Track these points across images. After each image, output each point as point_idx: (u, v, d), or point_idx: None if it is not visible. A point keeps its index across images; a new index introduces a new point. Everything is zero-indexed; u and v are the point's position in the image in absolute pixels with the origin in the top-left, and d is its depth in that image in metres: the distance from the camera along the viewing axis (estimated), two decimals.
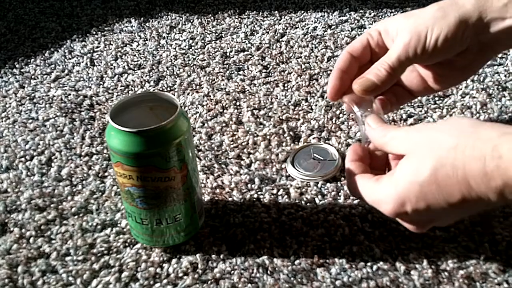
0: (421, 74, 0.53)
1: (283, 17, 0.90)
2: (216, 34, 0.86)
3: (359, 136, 0.62)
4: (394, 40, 0.50)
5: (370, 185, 0.44)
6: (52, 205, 0.54)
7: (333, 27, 0.86)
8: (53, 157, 0.61)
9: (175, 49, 0.82)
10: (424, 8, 0.50)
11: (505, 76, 0.71)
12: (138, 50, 0.82)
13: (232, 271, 0.47)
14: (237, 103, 0.69)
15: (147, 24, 0.90)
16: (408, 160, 0.42)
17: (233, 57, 0.79)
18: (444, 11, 0.48)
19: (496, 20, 0.48)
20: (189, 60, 0.79)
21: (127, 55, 0.81)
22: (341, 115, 0.66)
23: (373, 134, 0.46)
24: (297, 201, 0.54)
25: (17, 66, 0.79)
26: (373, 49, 0.52)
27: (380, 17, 0.89)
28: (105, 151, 0.62)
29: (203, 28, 0.88)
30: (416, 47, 0.48)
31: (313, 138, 0.62)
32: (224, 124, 0.65)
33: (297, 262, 0.47)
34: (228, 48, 0.82)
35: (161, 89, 0.73)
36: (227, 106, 0.69)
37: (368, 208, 0.52)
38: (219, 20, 0.90)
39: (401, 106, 0.66)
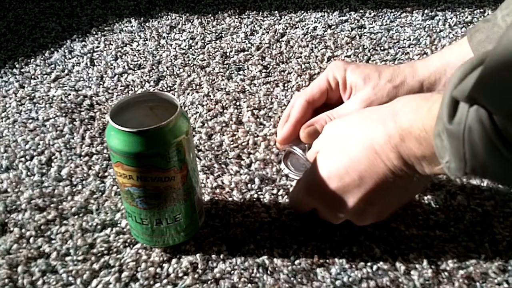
0: None
1: (283, 17, 0.90)
2: (216, 34, 0.86)
3: None
4: (349, 97, 0.56)
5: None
6: (52, 205, 0.54)
7: (333, 27, 0.86)
8: (53, 157, 0.61)
9: (175, 49, 0.82)
10: (381, 71, 0.55)
11: None
12: (138, 50, 0.82)
13: (232, 271, 0.47)
14: (237, 103, 0.69)
15: (147, 24, 0.90)
16: (322, 147, 0.47)
17: (233, 57, 0.79)
18: (397, 92, 0.54)
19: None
20: (189, 60, 0.79)
21: (127, 55, 0.81)
22: None
23: (309, 152, 0.52)
24: None
25: (17, 66, 0.79)
26: (329, 95, 0.58)
27: (380, 17, 0.89)
28: (105, 151, 0.62)
29: (203, 28, 0.88)
30: None
31: None
32: (224, 124, 0.65)
33: (297, 262, 0.47)
34: (228, 48, 0.82)
35: (161, 89, 0.73)
36: (227, 106, 0.69)
37: None
38: (219, 20, 0.90)
39: None
